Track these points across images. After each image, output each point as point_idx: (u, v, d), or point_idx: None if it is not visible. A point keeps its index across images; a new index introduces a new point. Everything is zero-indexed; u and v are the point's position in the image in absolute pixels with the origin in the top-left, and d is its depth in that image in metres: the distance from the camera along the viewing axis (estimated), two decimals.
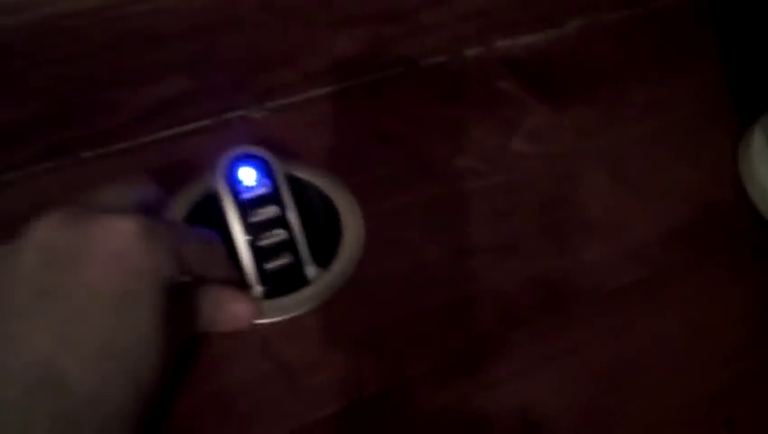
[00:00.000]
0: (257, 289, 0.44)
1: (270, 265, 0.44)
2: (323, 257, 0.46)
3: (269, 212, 0.44)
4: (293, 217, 0.44)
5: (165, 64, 0.47)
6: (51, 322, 0.32)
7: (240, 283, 0.44)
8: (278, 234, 0.45)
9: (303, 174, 0.48)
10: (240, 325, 0.42)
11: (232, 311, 0.42)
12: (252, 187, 0.44)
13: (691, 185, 0.52)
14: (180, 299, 0.39)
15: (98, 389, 0.32)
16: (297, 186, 0.48)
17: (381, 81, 0.54)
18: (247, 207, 0.44)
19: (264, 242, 0.44)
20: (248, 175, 0.44)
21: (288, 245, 0.45)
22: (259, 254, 0.44)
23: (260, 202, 0.44)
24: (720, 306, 0.46)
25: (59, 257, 0.33)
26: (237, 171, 0.44)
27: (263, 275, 0.44)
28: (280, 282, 0.44)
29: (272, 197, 0.44)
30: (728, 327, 0.45)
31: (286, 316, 0.43)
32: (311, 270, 0.45)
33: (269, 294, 0.44)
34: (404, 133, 0.52)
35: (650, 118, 0.55)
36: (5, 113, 0.45)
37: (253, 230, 0.44)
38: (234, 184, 0.44)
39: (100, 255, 0.34)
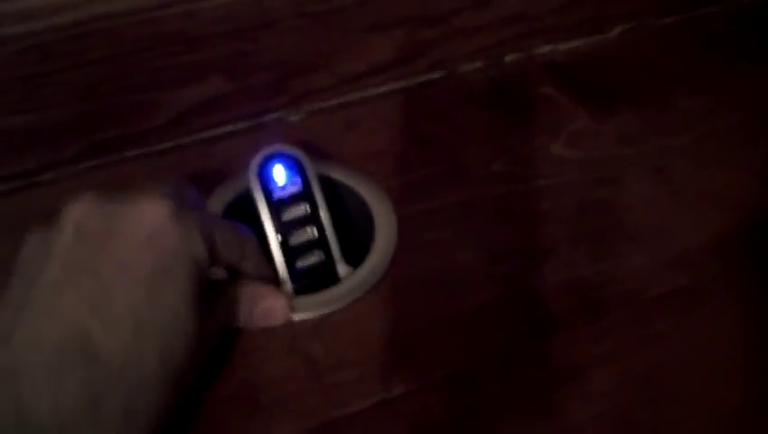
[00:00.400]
0: (288, 286, 0.44)
1: (301, 263, 0.44)
2: (356, 257, 0.46)
3: (301, 210, 0.45)
4: (324, 215, 0.45)
5: (202, 66, 0.48)
6: (83, 294, 0.33)
7: (274, 279, 0.44)
8: (310, 232, 0.45)
9: (337, 175, 0.49)
10: (274, 321, 0.42)
11: (266, 307, 0.42)
12: (285, 185, 0.45)
13: (738, 194, 0.50)
14: (215, 291, 0.39)
15: (127, 361, 0.32)
16: (331, 187, 0.48)
17: (418, 86, 0.54)
18: (279, 205, 0.44)
19: (296, 240, 0.44)
20: (280, 174, 0.45)
21: (320, 243, 0.45)
22: (291, 252, 0.44)
23: (292, 200, 0.45)
24: (765, 317, 0.44)
25: (91, 234, 0.34)
26: (270, 169, 0.44)
27: (294, 272, 0.44)
28: (311, 279, 0.44)
29: (304, 195, 0.45)
30: None
31: (316, 314, 0.43)
32: (342, 269, 0.45)
33: (300, 291, 0.44)
34: (440, 136, 0.52)
35: (695, 125, 0.54)
36: (49, 113, 0.47)
37: (285, 227, 0.44)
38: (267, 183, 0.44)
39: (132, 234, 0.34)
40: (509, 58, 0.56)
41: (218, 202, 0.47)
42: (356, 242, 0.47)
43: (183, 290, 0.35)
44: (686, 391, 0.41)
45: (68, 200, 0.35)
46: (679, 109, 0.55)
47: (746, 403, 0.41)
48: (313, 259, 0.45)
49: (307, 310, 0.43)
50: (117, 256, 0.34)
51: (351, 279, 0.45)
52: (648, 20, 0.60)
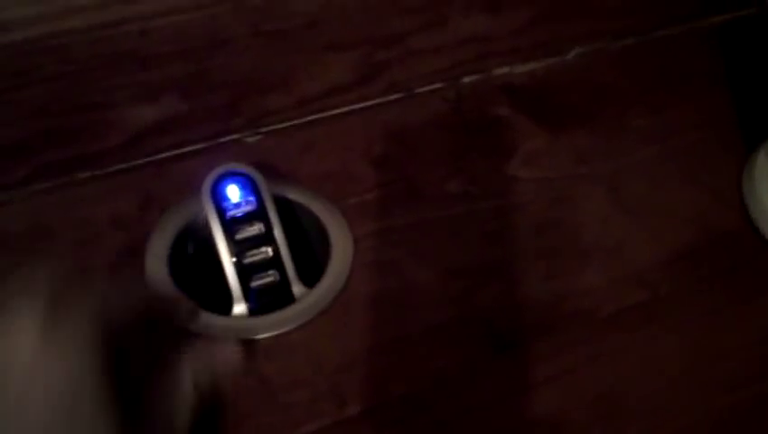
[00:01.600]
0: (243, 306, 0.44)
1: (256, 282, 0.44)
2: (312, 276, 0.46)
3: (255, 229, 0.44)
4: (279, 234, 0.44)
5: (157, 86, 0.48)
6: None
7: (226, 303, 0.44)
8: (265, 252, 0.44)
9: (294, 196, 0.49)
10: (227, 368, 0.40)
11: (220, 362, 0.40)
12: (239, 204, 0.44)
13: (694, 210, 0.50)
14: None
15: None
16: (288, 208, 0.48)
17: (376, 107, 0.54)
18: (233, 224, 0.44)
19: (250, 259, 0.44)
20: (234, 193, 0.44)
21: (275, 263, 0.45)
22: (246, 271, 0.44)
23: (247, 219, 0.44)
24: (722, 330, 0.45)
25: None
26: (223, 188, 0.44)
27: (249, 292, 0.44)
28: (266, 300, 0.44)
29: (258, 214, 0.44)
30: (730, 353, 0.44)
31: (271, 334, 0.43)
32: (297, 289, 0.45)
33: (255, 311, 0.44)
34: (397, 157, 0.52)
35: (651, 144, 0.54)
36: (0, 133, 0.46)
37: (239, 247, 0.44)
38: (220, 202, 0.44)
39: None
40: (466, 79, 0.57)
41: (172, 222, 0.47)
42: (312, 262, 0.47)
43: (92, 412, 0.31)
44: (641, 407, 0.41)
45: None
46: (634, 129, 0.55)
47: (702, 417, 0.41)
48: (268, 278, 0.44)
49: (262, 330, 0.43)
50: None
51: (307, 299, 0.44)
52: (605, 42, 0.60)
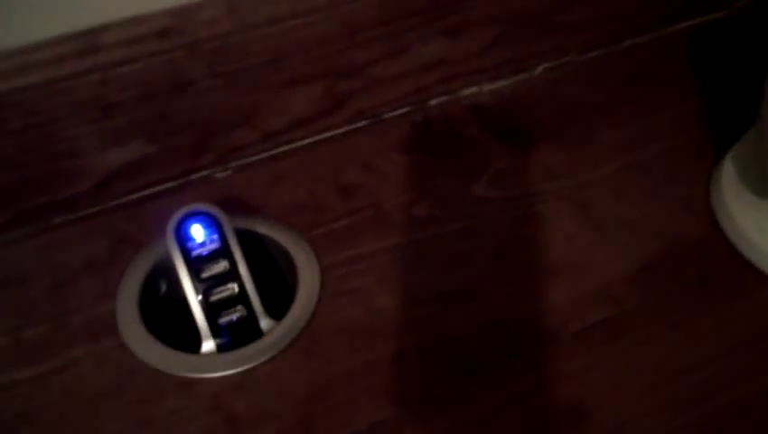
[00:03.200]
0: (211, 343, 0.44)
1: (224, 319, 0.45)
2: (281, 310, 0.46)
3: (221, 266, 0.45)
4: (243, 270, 0.45)
5: (122, 131, 0.49)
6: None
7: (196, 341, 0.45)
8: (231, 288, 0.45)
9: (262, 229, 0.49)
10: None
11: None
12: (203, 243, 0.45)
13: (662, 222, 0.50)
14: None
15: None
16: (256, 241, 0.49)
17: (342, 135, 0.55)
18: (198, 262, 0.45)
19: (216, 297, 0.45)
20: (198, 232, 0.45)
21: (241, 298, 0.45)
22: (213, 308, 0.45)
23: (211, 257, 0.45)
24: (691, 344, 0.44)
25: None
26: (187, 228, 0.45)
27: (216, 329, 0.45)
28: (235, 335, 0.45)
29: (222, 252, 0.45)
30: (699, 367, 0.43)
31: (238, 369, 0.44)
32: (265, 323, 0.45)
33: (225, 347, 0.45)
34: (365, 184, 0.53)
35: (619, 156, 0.54)
36: None
37: (205, 284, 0.45)
38: (185, 242, 0.45)
39: None
40: (433, 102, 0.57)
41: (140, 266, 0.48)
42: (280, 295, 0.47)
43: None
44: (612, 424, 0.41)
45: None
46: (601, 142, 0.55)
47: (674, 432, 0.41)
48: (236, 314, 0.45)
49: (229, 366, 0.44)
50: None
51: (274, 333, 0.45)
52: (571, 56, 0.61)
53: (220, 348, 0.45)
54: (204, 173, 0.53)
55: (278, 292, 0.47)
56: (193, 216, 0.45)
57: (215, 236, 0.45)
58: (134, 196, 0.51)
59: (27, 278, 0.48)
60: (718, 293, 0.47)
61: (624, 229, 0.50)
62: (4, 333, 0.46)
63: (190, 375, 0.43)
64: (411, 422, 0.41)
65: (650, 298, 0.46)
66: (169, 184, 0.52)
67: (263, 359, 0.44)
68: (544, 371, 0.43)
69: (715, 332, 0.44)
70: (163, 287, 0.48)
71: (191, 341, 0.45)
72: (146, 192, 0.52)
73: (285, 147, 0.54)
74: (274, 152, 0.54)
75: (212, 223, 0.45)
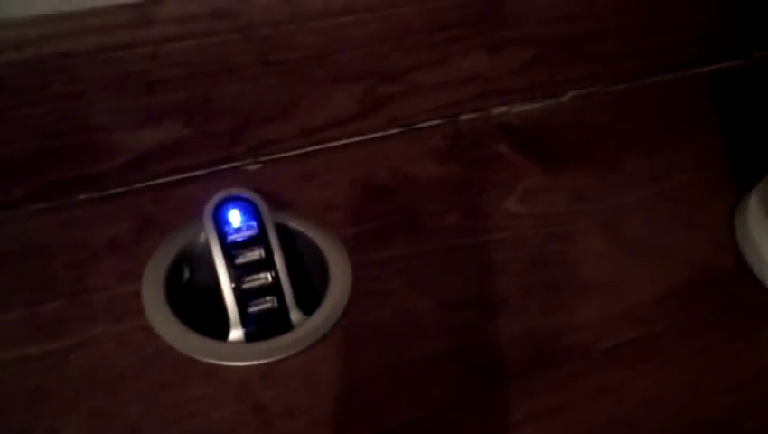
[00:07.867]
0: (240, 332, 0.43)
1: (254, 308, 0.44)
2: (310, 304, 0.45)
3: (256, 254, 0.44)
4: (279, 260, 0.44)
5: (162, 110, 0.48)
6: None
7: (222, 328, 0.43)
8: (264, 277, 0.44)
9: (294, 224, 0.49)
10: None
11: None
12: (239, 229, 0.44)
13: (689, 251, 0.51)
14: None
15: None
16: (288, 235, 0.48)
17: (376, 140, 0.55)
18: (233, 248, 0.44)
19: (248, 285, 0.44)
20: (236, 217, 0.44)
21: (274, 289, 0.44)
22: (244, 296, 0.44)
23: (247, 244, 0.44)
24: (715, 370, 0.44)
25: None
26: (225, 213, 0.44)
27: (246, 317, 0.43)
28: (264, 325, 0.44)
29: (259, 239, 0.44)
30: (723, 393, 0.43)
31: (267, 360, 0.42)
32: (295, 315, 0.44)
33: (252, 336, 0.43)
34: (396, 189, 0.52)
35: (647, 185, 0.55)
36: (1, 150, 0.46)
37: (239, 271, 0.44)
38: (222, 226, 0.44)
39: None
40: (464, 117, 0.58)
41: (168, 249, 0.47)
42: (310, 290, 0.47)
43: None
44: None
45: None
46: (629, 170, 0.56)
47: None
48: (267, 304, 0.44)
49: (258, 356, 0.43)
50: None
51: (304, 326, 0.44)
52: (599, 86, 0.62)
53: (247, 337, 0.43)
54: (236, 163, 0.52)
55: (303, 288, 0.46)
56: (233, 200, 0.44)
57: (252, 223, 0.44)
58: (163, 179, 0.50)
59: (47, 253, 0.46)
60: (747, 320, 0.47)
61: (652, 254, 0.50)
62: (21, 306, 0.44)
63: (217, 362, 0.42)
64: (440, 426, 0.41)
65: (680, 321, 0.46)
66: (199, 171, 0.51)
67: (292, 352, 0.43)
68: (575, 385, 0.43)
69: (745, 357, 0.45)
70: (189, 273, 0.47)
71: (215, 328, 0.44)
72: (176, 176, 0.51)
73: (319, 146, 0.54)
74: (307, 149, 0.53)
75: (251, 210, 0.44)
